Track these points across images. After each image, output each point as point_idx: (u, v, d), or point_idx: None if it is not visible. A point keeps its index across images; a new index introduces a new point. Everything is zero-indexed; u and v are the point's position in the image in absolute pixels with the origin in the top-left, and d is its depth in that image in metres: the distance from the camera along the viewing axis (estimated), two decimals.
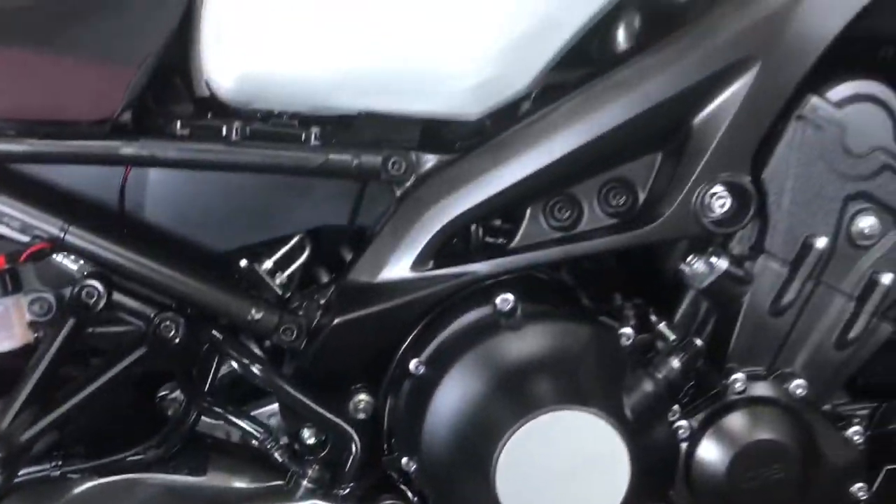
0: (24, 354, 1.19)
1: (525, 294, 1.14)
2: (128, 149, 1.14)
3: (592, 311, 1.22)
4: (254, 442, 1.25)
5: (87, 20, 1.15)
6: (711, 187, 1.13)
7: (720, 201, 1.13)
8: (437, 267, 1.16)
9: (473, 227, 1.20)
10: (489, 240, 1.21)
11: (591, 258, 1.20)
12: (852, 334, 1.18)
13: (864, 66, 1.15)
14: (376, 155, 1.17)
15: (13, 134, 1.14)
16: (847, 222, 1.16)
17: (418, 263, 1.16)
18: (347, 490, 1.22)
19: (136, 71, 1.12)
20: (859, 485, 1.21)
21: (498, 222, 1.21)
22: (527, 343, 1.14)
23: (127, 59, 1.13)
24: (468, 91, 1.13)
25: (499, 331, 1.14)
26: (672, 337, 1.18)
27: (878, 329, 1.18)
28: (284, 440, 1.25)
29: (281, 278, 1.23)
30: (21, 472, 1.18)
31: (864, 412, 1.27)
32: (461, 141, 1.20)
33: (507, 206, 1.18)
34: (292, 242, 1.24)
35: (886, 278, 1.16)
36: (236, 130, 1.17)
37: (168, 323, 1.17)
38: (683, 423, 1.17)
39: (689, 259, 1.17)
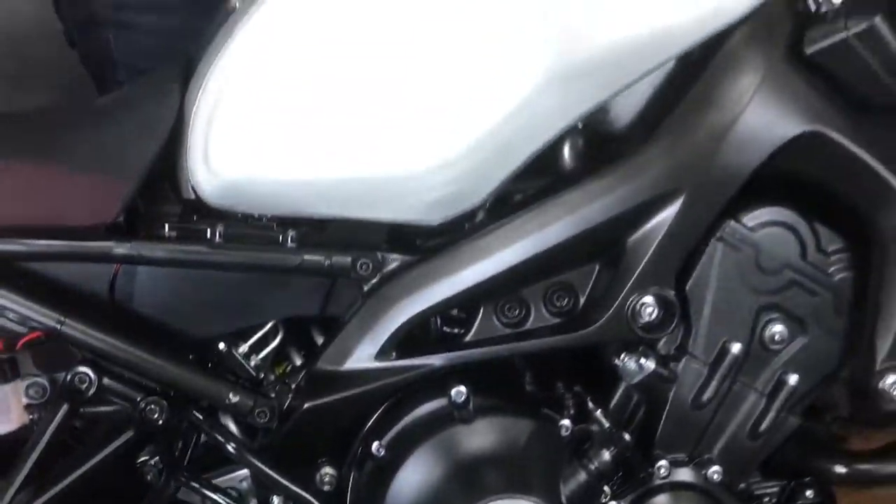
0: (19, 433, 1.24)
1: (477, 385, 1.23)
2: (120, 249, 1.23)
3: (536, 401, 1.30)
4: None
5: (86, 136, 1.25)
6: (641, 298, 1.21)
7: (649, 310, 1.21)
8: (398, 357, 1.24)
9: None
10: (446, 329, 1.30)
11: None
12: (763, 426, 1.26)
13: (775, 194, 1.24)
14: (346, 255, 1.25)
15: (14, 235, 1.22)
16: (759, 330, 1.25)
17: (381, 354, 1.24)
18: None
19: (130, 183, 1.22)
20: None
21: (455, 311, 1.30)
22: (477, 436, 1.23)
23: (122, 172, 1.22)
24: (431, 203, 1.21)
25: (452, 423, 1.23)
26: (606, 424, 1.28)
27: (786, 422, 1.27)
28: None
29: (255, 360, 1.32)
30: None
31: (775, 490, 1.35)
32: (423, 240, 1.28)
33: (463, 305, 1.27)
34: (266, 328, 1.33)
35: (793, 378, 1.25)
36: (219, 233, 1.26)
37: (153, 406, 1.25)
38: None
39: (622, 356, 1.25)
